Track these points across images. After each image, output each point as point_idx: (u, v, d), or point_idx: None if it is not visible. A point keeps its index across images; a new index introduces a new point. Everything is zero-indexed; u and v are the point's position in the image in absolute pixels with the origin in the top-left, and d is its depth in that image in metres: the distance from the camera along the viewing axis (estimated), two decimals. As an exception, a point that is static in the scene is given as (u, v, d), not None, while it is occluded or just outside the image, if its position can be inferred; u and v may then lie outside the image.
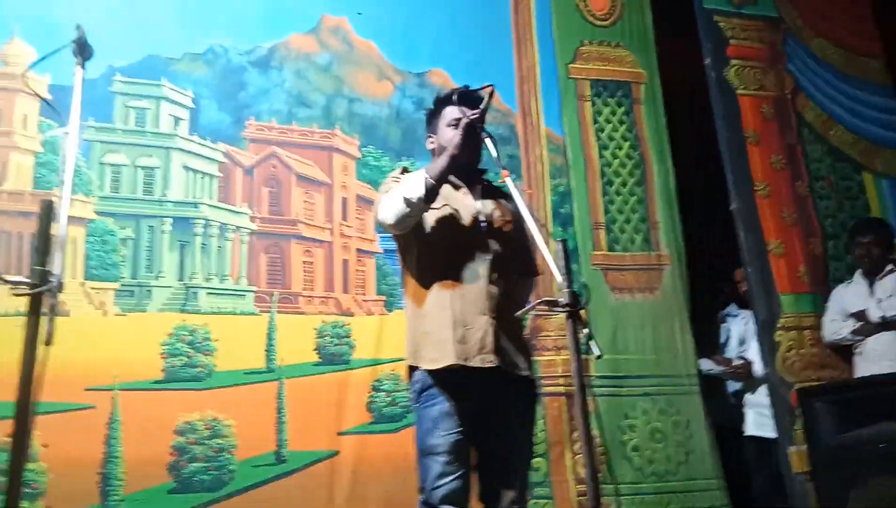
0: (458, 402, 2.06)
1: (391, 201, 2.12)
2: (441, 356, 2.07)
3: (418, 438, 2.10)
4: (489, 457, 2.12)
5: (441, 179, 2.09)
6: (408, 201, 2.07)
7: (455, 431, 2.04)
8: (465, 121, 2.11)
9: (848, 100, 4.65)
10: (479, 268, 2.13)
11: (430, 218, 2.17)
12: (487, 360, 2.06)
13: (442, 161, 2.10)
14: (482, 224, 2.19)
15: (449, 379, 2.07)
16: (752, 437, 4.07)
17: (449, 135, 2.21)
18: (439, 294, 2.13)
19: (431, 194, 2.08)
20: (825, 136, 4.53)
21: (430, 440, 2.05)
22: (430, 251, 2.18)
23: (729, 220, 4.16)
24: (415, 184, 2.07)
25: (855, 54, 4.75)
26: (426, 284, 2.16)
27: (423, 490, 2.05)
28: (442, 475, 2.01)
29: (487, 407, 2.09)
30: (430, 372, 2.09)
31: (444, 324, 2.08)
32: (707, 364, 4.12)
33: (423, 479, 2.06)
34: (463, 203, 2.22)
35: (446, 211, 2.18)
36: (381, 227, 2.29)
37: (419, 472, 2.08)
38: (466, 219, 2.19)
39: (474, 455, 2.11)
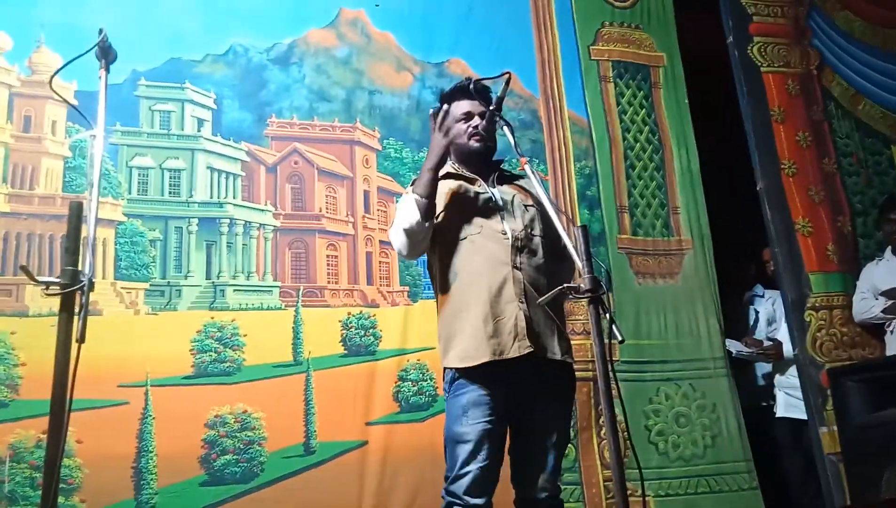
0: (490, 390, 2.04)
1: (396, 235, 2.15)
2: (475, 354, 2.06)
3: (446, 426, 2.09)
4: (522, 442, 2.11)
5: (429, 194, 2.09)
6: (409, 232, 2.10)
7: (484, 420, 2.02)
8: (434, 125, 2.15)
9: (876, 73, 4.54)
10: (501, 255, 2.12)
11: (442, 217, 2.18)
12: (524, 347, 2.04)
13: (424, 176, 2.11)
14: (492, 198, 2.19)
15: (482, 372, 2.05)
16: (783, 419, 4.02)
17: (457, 130, 2.23)
18: (467, 291, 2.12)
19: (427, 211, 2.08)
20: (853, 111, 4.44)
21: (457, 428, 2.04)
22: (449, 250, 2.18)
23: (755, 199, 4.11)
24: (409, 210, 2.09)
25: (882, 27, 4.63)
26: (452, 283, 2.15)
27: (447, 478, 2.05)
28: (466, 462, 2.00)
29: (521, 393, 2.08)
30: (462, 369, 2.08)
31: (475, 320, 2.07)
32: (736, 346, 4.07)
33: (449, 467, 2.05)
34: (475, 192, 2.22)
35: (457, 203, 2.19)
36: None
37: (446, 461, 2.07)
38: (475, 198, 2.20)
39: (507, 439, 2.11)
